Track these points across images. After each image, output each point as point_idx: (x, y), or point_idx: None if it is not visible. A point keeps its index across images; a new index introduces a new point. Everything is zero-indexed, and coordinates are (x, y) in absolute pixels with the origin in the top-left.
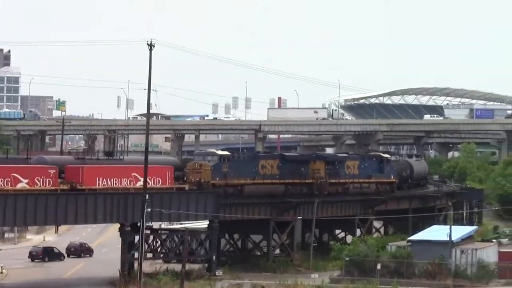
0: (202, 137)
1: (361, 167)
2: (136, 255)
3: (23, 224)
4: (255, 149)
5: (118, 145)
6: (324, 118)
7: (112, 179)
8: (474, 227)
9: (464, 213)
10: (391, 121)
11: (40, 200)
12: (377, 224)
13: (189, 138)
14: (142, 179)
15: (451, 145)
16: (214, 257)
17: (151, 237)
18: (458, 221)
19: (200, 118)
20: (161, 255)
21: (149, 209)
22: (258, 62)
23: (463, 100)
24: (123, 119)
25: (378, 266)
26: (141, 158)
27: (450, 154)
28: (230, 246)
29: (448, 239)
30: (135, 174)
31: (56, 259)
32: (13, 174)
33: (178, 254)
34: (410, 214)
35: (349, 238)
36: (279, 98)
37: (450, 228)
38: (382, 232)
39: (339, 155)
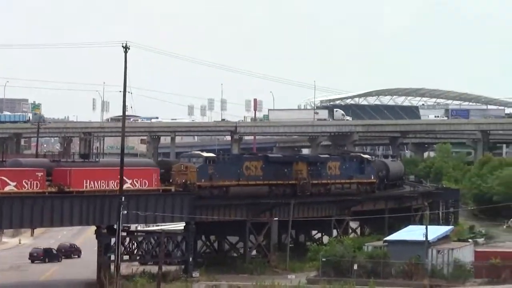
0: (178, 139)
1: (343, 167)
2: (113, 257)
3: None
4: (231, 150)
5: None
6: (324, 119)
7: (99, 181)
8: (450, 227)
9: (440, 213)
10: (366, 122)
11: (27, 202)
12: (353, 224)
13: (165, 140)
14: (129, 181)
15: (426, 145)
16: (190, 259)
17: (128, 239)
18: (434, 221)
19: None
20: (138, 257)
21: (125, 212)
22: (233, 64)
23: (439, 100)
24: (98, 121)
25: (355, 267)
26: (116, 161)
27: (425, 154)
28: (207, 247)
29: (424, 239)
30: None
31: (55, 260)
32: (1, 177)
33: (154, 256)
34: (386, 214)
35: (325, 239)
36: (255, 100)
37: (426, 228)
38: (359, 233)
39: (321, 156)
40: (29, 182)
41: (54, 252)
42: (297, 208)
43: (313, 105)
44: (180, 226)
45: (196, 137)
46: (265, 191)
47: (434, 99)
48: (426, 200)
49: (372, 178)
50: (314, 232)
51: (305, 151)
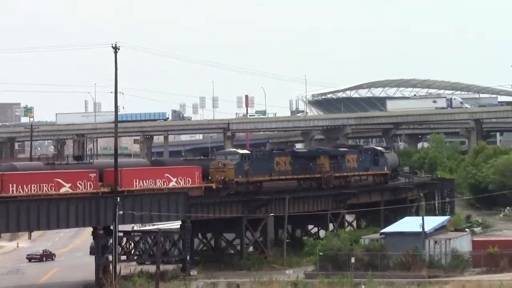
0: (170, 138)
1: (359, 160)
2: (110, 258)
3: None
4: (224, 147)
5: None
6: (442, 108)
7: (147, 180)
8: (446, 217)
9: (436, 204)
10: (359, 115)
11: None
12: (349, 218)
13: (158, 139)
14: (174, 179)
15: (420, 136)
16: (188, 257)
17: (124, 239)
18: (430, 212)
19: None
20: (135, 257)
21: (121, 212)
22: (223, 61)
23: (431, 90)
24: (91, 123)
25: (352, 260)
26: (110, 162)
27: (419, 145)
28: (204, 245)
29: (421, 230)
30: (167, 175)
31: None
32: (56, 179)
33: (152, 256)
34: (382, 206)
35: (322, 233)
36: (246, 96)
37: (423, 219)
38: (355, 226)
39: (341, 149)
40: (83, 183)
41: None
42: (292, 203)
43: (304, 100)
44: (176, 224)
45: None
46: (294, 185)
47: (426, 89)
48: (422, 191)
49: (386, 169)
50: (310, 226)
51: (298, 146)
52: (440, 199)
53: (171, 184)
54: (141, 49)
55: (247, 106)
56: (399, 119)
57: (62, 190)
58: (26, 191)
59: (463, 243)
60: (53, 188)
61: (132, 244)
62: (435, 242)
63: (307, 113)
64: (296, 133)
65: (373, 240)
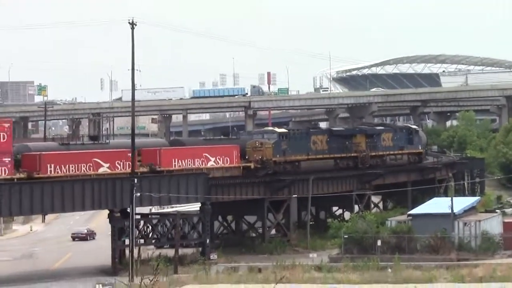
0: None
1: (394, 139)
2: (127, 241)
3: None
4: (245, 127)
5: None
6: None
7: (186, 160)
8: (476, 198)
9: (466, 184)
10: (385, 92)
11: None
12: (375, 199)
13: (176, 118)
14: (212, 159)
15: (449, 114)
16: (207, 241)
17: (142, 222)
18: (460, 192)
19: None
20: (153, 241)
21: (138, 194)
22: (244, 37)
23: (460, 66)
24: (107, 101)
25: (378, 243)
26: (127, 142)
27: (448, 123)
28: (224, 228)
29: (449, 211)
30: (206, 154)
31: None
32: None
33: (170, 239)
34: (409, 187)
35: (347, 215)
36: (269, 74)
37: (452, 200)
38: (381, 207)
39: (377, 128)
40: (121, 163)
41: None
42: (316, 184)
43: (328, 77)
44: (195, 207)
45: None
46: (331, 165)
47: (455, 65)
48: (451, 170)
49: (420, 148)
50: (335, 208)
51: (323, 125)
52: (469, 179)
53: (209, 164)
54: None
55: (269, 83)
56: (427, 96)
57: (101, 170)
58: (64, 171)
59: (493, 225)
60: (91, 168)
61: (150, 227)
62: (465, 224)
63: (331, 90)
64: (319, 111)
65: (400, 222)
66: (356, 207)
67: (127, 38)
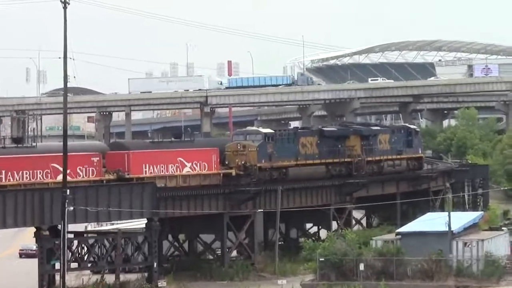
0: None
1: (391, 141)
2: (58, 265)
3: None
4: (200, 127)
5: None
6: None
7: (158, 166)
8: (479, 213)
9: (466, 196)
10: (369, 85)
11: None
12: (357, 214)
13: (118, 116)
14: (188, 164)
15: (446, 112)
16: (155, 264)
17: (75, 242)
18: (459, 206)
19: None
20: (89, 264)
21: (71, 208)
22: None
23: (459, 54)
24: (34, 96)
25: (361, 267)
26: (59, 145)
27: (445, 123)
28: (175, 249)
29: (446, 229)
30: (180, 159)
31: None
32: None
33: (110, 263)
34: (398, 200)
35: (323, 234)
36: (229, 62)
37: (449, 215)
38: (364, 224)
39: (373, 128)
40: (83, 169)
41: None
42: (286, 196)
43: (301, 66)
44: (141, 223)
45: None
46: (322, 172)
47: (453, 53)
48: (448, 180)
49: (420, 152)
50: (308, 225)
51: (294, 124)
52: (470, 190)
53: (185, 170)
54: (95, 4)
55: (230, 74)
56: (420, 90)
57: (59, 178)
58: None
59: (499, 245)
60: (48, 175)
61: (86, 248)
62: (465, 244)
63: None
64: (291, 108)
65: (387, 242)
66: (335, 224)
67: (59, 18)
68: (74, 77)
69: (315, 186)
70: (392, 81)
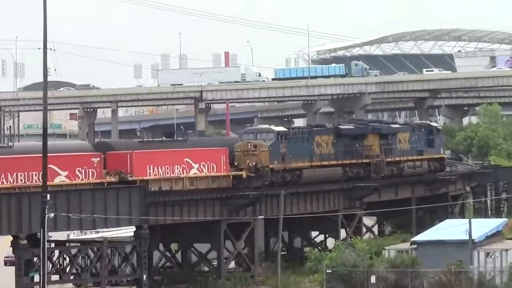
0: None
1: (412, 140)
2: (37, 278)
3: None
4: (195, 125)
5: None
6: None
7: (164, 167)
8: (502, 220)
9: (489, 201)
10: (382, 79)
11: None
12: (368, 221)
13: (103, 114)
14: (195, 165)
15: (466, 108)
16: (144, 277)
17: (57, 252)
18: (481, 213)
19: None
20: (72, 277)
21: (52, 215)
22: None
23: (481, 45)
24: (11, 91)
25: (372, 279)
26: (36, 145)
27: (465, 121)
28: (167, 260)
29: (467, 238)
30: (187, 159)
31: None
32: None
33: (95, 275)
34: (413, 205)
35: (330, 243)
36: (226, 54)
37: (470, 223)
38: (376, 232)
39: (392, 126)
40: (83, 171)
41: None
42: (290, 201)
43: (306, 58)
44: (129, 232)
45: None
46: (339, 174)
47: (474, 44)
48: (469, 183)
49: (442, 152)
50: (314, 233)
51: (299, 123)
52: (493, 195)
53: (192, 172)
54: None
55: (227, 66)
56: (437, 85)
57: (57, 180)
58: None
59: None
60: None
61: (68, 258)
62: (487, 254)
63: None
64: (295, 104)
65: (401, 252)
66: (343, 232)
67: (39, 4)
68: (55, 70)
69: (322, 190)
70: (407, 73)
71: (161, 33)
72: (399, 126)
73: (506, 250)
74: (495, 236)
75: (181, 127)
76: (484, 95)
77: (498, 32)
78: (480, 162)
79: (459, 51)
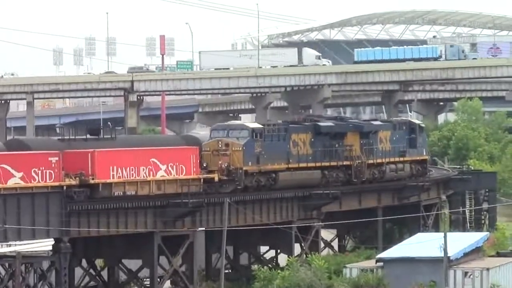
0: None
1: (393, 139)
2: None
3: None
4: (124, 121)
5: None
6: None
7: (128, 168)
8: (483, 234)
9: (467, 212)
10: (344, 68)
11: None
12: (327, 234)
13: (17, 107)
14: (163, 167)
15: (442, 103)
16: None
17: None
18: (458, 226)
19: None
20: None
21: None
22: None
23: (460, 29)
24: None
25: None
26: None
27: (440, 118)
28: (91, 278)
29: (441, 254)
30: (154, 160)
31: None
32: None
33: None
34: (379, 216)
35: (282, 259)
36: (162, 37)
37: (445, 237)
38: (336, 248)
39: (373, 123)
40: (40, 172)
41: None
42: (235, 210)
43: (256, 43)
44: (46, 245)
45: (67, 100)
46: (317, 178)
47: (452, 28)
48: (444, 191)
49: (424, 153)
50: (264, 248)
51: (246, 118)
52: (473, 205)
53: (159, 174)
54: None
55: (162, 53)
56: (408, 76)
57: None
58: None
59: (509, 275)
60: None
61: None
62: (465, 273)
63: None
64: (242, 97)
65: (365, 270)
66: (297, 247)
67: None
68: None
69: (272, 198)
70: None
71: (85, 13)
72: (380, 123)
73: (487, 269)
74: (475, 252)
75: (109, 123)
76: (463, 89)
77: (479, 15)
78: (458, 166)
79: (434, 36)
